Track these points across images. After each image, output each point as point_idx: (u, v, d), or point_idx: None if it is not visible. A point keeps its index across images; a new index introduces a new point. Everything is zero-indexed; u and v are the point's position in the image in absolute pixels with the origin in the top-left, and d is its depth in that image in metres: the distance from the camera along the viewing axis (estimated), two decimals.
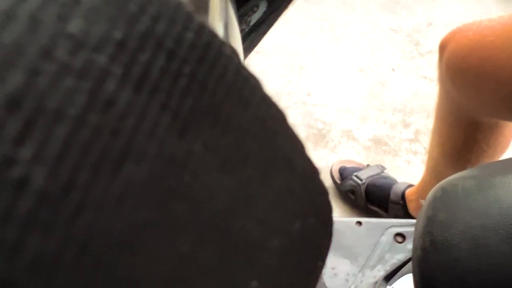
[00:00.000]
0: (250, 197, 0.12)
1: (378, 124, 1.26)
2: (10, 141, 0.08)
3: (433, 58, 1.36)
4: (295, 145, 0.14)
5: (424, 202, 0.43)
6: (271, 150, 0.13)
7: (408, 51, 1.44)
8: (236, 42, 0.23)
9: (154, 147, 0.10)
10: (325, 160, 1.17)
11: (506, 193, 0.37)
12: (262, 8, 0.27)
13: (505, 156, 0.72)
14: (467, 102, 0.63)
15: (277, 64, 1.41)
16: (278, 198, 0.14)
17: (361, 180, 1.02)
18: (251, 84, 0.13)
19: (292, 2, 0.30)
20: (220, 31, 0.20)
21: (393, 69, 1.39)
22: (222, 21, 0.19)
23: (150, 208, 0.10)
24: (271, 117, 0.13)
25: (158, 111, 0.10)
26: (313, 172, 0.15)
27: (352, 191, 1.04)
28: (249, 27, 0.21)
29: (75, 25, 0.08)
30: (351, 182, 1.04)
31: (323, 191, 0.15)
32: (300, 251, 0.15)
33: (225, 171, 0.12)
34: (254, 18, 0.27)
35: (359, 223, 0.80)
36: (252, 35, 0.20)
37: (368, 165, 1.09)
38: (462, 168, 0.53)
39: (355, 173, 1.04)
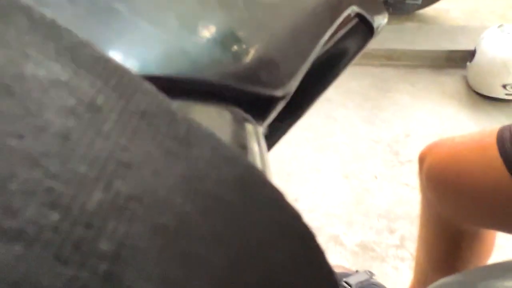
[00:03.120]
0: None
1: (364, 229, 1.29)
2: None
3: (413, 167, 1.43)
4: None
5: None
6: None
7: (389, 160, 1.52)
8: (269, 172, 0.26)
9: None
10: None
11: None
12: (264, 132, 0.31)
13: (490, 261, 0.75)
14: (448, 211, 0.68)
15: None
16: None
17: (350, 286, 1.03)
18: None
19: (292, 127, 0.35)
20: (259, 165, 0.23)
21: (376, 177, 1.46)
22: (260, 161, 0.23)
23: None
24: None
25: None
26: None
27: None
28: None
29: None
30: None
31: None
32: None
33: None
34: None
35: None
36: None
37: (357, 271, 1.09)
38: (449, 273, 0.56)
39: (344, 279, 1.05)
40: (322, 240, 1.25)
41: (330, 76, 0.35)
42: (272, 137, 0.35)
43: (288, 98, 0.26)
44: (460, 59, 1.94)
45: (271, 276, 0.15)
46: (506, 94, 1.76)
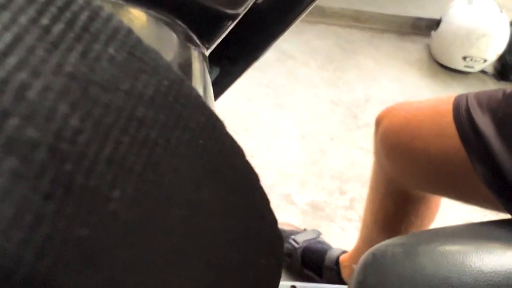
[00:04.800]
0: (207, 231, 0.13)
1: (316, 190, 1.30)
2: None
3: (370, 131, 1.44)
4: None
5: (355, 267, 0.45)
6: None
7: (347, 123, 1.53)
8: (211, 103, 0.25)
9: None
10: None
11: (430, 261, 0.40)
12: (215, 74, 0.29)
13: (432, 226, 0.77)
14: (398, 174, 0.68)
15: None
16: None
17: (297, 243, 1.04)
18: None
19: (244, 72, 0.33)
20: (200, 91, 0.22)
21: (332, 139, 1.46)
22: (201, 84, 0.21)
23: None
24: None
25: None
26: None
27: (289, 255, 1.05)
28: None
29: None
30: (287, 245, 1.05)
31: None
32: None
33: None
34: None
35: (294, 287, 0.81)
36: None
37: (305, 229, 1.11)
38: (393, 235, 0.56)
39: (292, 236, 1.06)
40: (274, 198, 1.26)
41: (288, 17, 0.33)
42: (223, 82, 0.32)
43: (234, 21, 0.23)
44: (426, 27, 1.95)
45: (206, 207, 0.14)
46: (466, 66, 1.78)
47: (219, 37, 0.23)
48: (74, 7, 0.11)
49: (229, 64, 0.29)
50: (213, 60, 0.28)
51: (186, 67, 0.19)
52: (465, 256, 0.38)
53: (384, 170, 0.71)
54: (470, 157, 0.51)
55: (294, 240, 1.05)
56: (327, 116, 1.54)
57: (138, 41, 0.12)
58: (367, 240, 0.83)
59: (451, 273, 0.38)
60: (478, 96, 0.54)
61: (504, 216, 0.51)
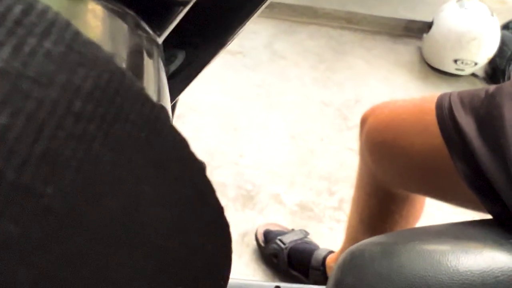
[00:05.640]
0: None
1: (304, 190, 1.29)
2: None
3: None
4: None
5: (334, 266, 0.45)
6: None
7: (337, 124, 1.52)
8: (167, 104, 0.24)
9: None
10: (252, 222, 1.17)
11: (407, 260, 0.39)
12: (180, 59, 0.29)
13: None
14: (382, 173, 0.67)
15: (212, 124, 1.43)
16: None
17: (284, 244, 1.03)
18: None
19: (213, 58, 0.32)
20: (151, 81, 0.21)
21: (322, 139, 1.46)
22: (155, 85, 0.21)
23: None
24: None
25: None
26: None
27: (275, 255, 1.05)
28: (167, 76, 0.23)
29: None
30: (274, 246, 1.04)
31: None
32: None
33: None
34: (172, 67, 0.29)
35: (278, 287, 0.81)
36: (169, 84, 0.22)
37: (292, 230, 1.10)
38: (378, 235, 0.56)
39: (279, 237, 1.05)
40: (263, 197, 1.25)
41: (254, 1, 0.32)
42: (191, 67, 0.32)
43: (186, 6, 0.23)
44: (418, 30, 1.95)
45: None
46: (456, 69, 1.79)
47: (171, 23, 0.23)
48: (7, 0, 0.11)
49: (194, 48, 0.29)
50: (177, 45, 0.27)
51: (136, 57, 0.19)
52: (442, 255, 0.38)
53: (369, 169, 0.70)
54: (452, 155, 0.51)
55: (280, 240, 1.04)
56: (317, 117, 1.54)
57: (76, 33, 0.12)
58: (352, 240, 0.82)
59: (427, 272, 0.37)
60: (461, 95, 0.54)
61: (486, 216, 0.50)
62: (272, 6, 1.87)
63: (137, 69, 0.18)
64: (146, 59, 0.19)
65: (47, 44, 0.11)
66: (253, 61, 1.72)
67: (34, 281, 0.11)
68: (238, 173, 1.30)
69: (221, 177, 1.28)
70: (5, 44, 0.11)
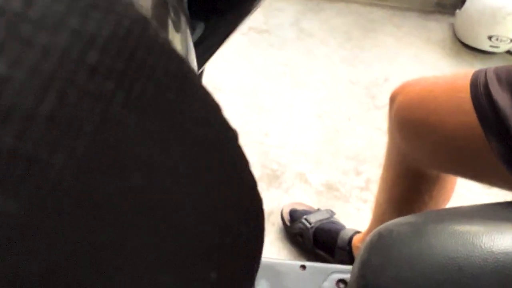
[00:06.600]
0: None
1: (331, 169, 1.28)
2: None
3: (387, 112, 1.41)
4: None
5: (361, 246, 0.44)
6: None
7: (365, 103, 1.49)
8: (191, 59, 0.23)
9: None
10: (277, 201, 1.17)
11: (437, 241, 0.38)
12: (199, 30, 0.27)
13: None
14: (412, 152, 0.66)
15: (237, 103, 1.42)
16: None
17: (310, 223, 1.03)
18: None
19: (235, 29, 0.31)
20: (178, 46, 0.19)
21: (349, 119, 1.43)
22: (182, 46, 0.19)
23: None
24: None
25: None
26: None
27: (301, 234, 1.04)
28: None
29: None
30: (300, 225, 1.04)
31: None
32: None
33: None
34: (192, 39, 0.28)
35: (303, 267, 0.80)
36: None
37: (318, 209, 1.09)
38: (406, 215, 0.54)
39: (304, 216, 1.05)
40: (289, 177, 1.24)
41: None
42: (210, 40, 0.30)
43: None
44: (450, 5, 1.88)
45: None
46: (491, 46, 1.72)
47: None
48: None
49: (219, 16, 0.27)
50: (196, 15, 0.26)
51: (162, 10, 0.17)
52: (475, 236, 0.36)
53: (398, 148, 0.68)
54: (486, 134, 0.49)
55: (306, 220, 1.04)
56: (345, 96, 1.51)
57: None
58: (379, 220, 0.81)
59: (459, 253, 0.36)
60: (497, 71, 0.52)
61: None
62: None
63: (162, 23, 0.16)
64: (172, 15, 0.17)
65: None
66: (279, 39, 1.69)
67: (36, 278, 0.09)
68: (264, 152, 1.30)
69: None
70: None
